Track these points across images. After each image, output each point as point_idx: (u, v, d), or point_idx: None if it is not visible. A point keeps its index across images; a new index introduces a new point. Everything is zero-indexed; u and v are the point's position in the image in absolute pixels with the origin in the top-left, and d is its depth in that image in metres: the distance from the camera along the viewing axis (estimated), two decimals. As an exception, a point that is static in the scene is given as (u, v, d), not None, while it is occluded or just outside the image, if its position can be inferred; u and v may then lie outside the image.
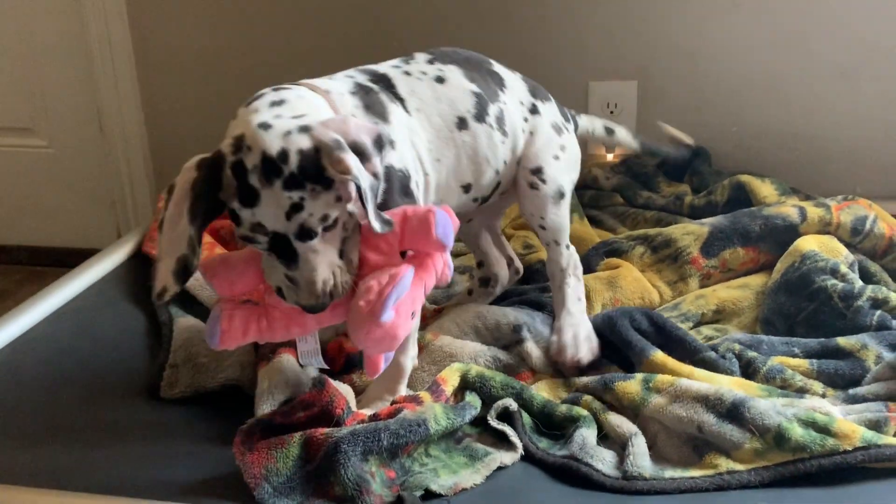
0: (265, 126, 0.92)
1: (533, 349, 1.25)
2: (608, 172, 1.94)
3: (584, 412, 1.11)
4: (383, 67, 1.18)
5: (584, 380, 1.18)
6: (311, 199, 0.91)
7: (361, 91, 1.10)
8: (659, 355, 1.18)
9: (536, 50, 1.96)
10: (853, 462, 0.99)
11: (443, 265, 1.03)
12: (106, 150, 2.23)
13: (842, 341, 1.22)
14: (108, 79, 2.17)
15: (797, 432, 1.00)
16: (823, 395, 1.16)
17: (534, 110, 1.27)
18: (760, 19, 1.88)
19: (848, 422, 1.04)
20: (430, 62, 1.20)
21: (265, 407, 1.08)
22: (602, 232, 1.72)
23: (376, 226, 0.93)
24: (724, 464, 1.02)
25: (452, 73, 1.20)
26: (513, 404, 1.10)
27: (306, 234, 0.93)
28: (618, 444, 1.08)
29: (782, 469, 0.99)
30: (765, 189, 1.69)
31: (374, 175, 0.95)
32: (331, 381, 1.08)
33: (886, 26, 1.84)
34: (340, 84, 1.10)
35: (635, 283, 1.45)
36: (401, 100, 1.14)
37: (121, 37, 2.13)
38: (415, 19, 2.01)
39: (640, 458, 1.03)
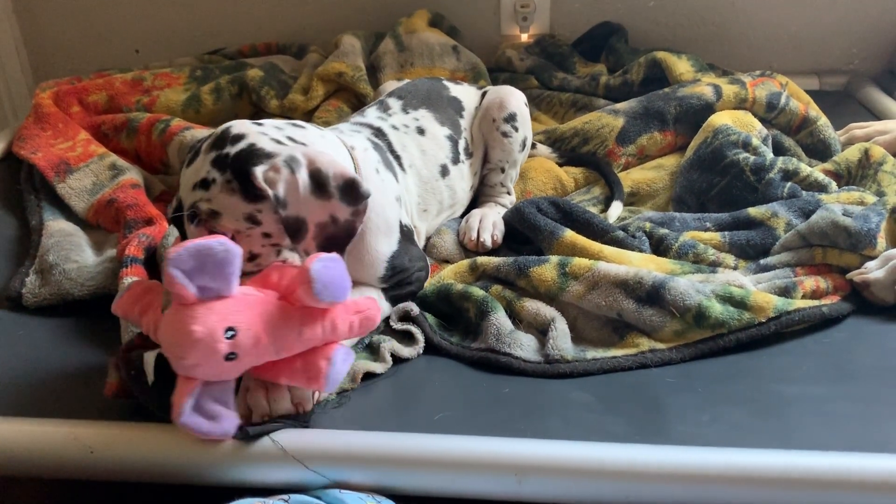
0: (258, 124, 0.96)
1: (438, 240, 1.24)
2: (522, 54, 1.84)
3: (481, 293, 1.06)
4: (375, 121, 1.20)
5: (496, 261, 1.12)
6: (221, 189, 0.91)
7: (377, 149, 1.12)
8: (569, 234, 1.14)
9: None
10: (767, 333, 1.00)
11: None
12: (-28, 43, 2.01)
13: (752, 211, 1.20)
14: (-34, -40, 1.93)
15: (716, 309, 1.00)
16: (735, 268, 1.14)
17: (484, 94, 1.37)
18: None
19: (762, 293, 1.03)
20: (405, 110, 1.25)
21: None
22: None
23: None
24: (646, 343, 1.00)
25: (427, 120, 1.25)
26: (414, 308, 1.05)
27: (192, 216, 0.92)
28: (535, 329, 1.04)
29: (702, 346, 1.00)
30: (681, 66, 1.63)
31: (332, 217, 0.91)
32: None
33: None
34: (359, 141, 1.10)
35: (546, 174, 1.40)
36: (397, 157, 1.17)
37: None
38: None
39: (562, 340, 1.00)
